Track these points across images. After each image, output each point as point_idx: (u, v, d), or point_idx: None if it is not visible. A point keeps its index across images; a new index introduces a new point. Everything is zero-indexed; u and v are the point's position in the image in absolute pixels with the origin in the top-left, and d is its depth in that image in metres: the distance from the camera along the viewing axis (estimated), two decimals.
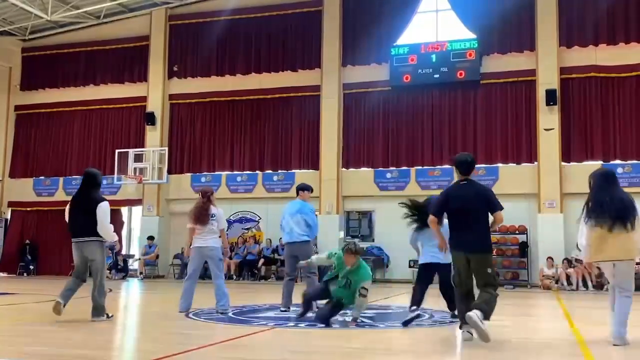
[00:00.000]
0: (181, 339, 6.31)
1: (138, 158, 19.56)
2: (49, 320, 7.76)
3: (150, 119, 20.05)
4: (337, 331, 7.00)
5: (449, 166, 17.62)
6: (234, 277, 17.79)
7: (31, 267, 20.25)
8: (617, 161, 16.37)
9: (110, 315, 7.64)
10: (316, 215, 9.19)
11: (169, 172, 19.77)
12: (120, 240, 7.76)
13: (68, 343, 6.02)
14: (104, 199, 7.66)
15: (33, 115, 21.94)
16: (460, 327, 6.22)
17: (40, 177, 21.58)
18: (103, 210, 7.46)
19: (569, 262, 15.49)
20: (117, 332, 7.13)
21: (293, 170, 18.95)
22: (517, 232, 16.59)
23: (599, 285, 15.10)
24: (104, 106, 21.02)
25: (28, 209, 21.42)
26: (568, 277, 15.29)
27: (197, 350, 5.49)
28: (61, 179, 21.17)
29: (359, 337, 6.69)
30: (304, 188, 9.22)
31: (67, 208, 7.87)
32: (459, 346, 6.35)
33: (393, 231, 17.60)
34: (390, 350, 5.79)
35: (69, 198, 24.42)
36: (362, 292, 7.09)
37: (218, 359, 5.26)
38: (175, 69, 20.39)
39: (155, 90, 20.34)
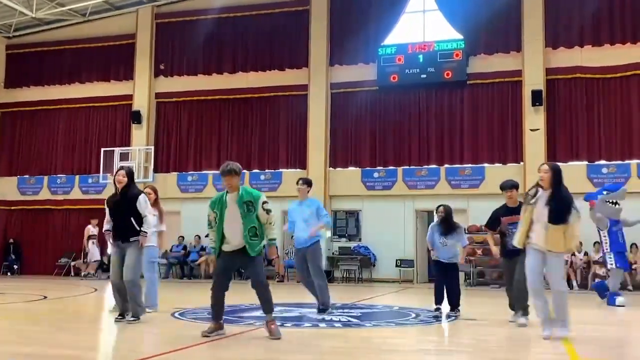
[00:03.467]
0: (168, 338, 6.28)
1: (124, 157, 19.41)
2: (34, 319, 7.69)
3: (136, 117, 19.92)
4: (325, 330, 7.00)
5: (435, 166, 17.71)
6: None
7: (15, 266, 20.06)
8: (602, 161, 16.52)
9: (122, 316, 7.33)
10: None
11: (155, 171, 19.65)
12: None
13: (54, 343, 5.96)
14: (141, 191, 7.54)
15: (17, 113, 21.72)
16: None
17: (25, 176, 21.34)
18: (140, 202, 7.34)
19: None
20: (103, 332, 7.08)
21: (280, 170, 18.91)
22: None
23: (583, 285, 15.24)
24: (90, 104, 20.84)
25: (12, 207, 21.19)
26: None
27: (184, 350, 5.46)
28: (46, 178, 20.95)
29: (346, 336, 6.69)
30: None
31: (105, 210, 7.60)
32: (445, 345, 6.37)
33: (380, 230, 17.69)
34: (378, 349, 5.79)
35: (54, 197, 24.07)
36: (265, 207, 6.21)
37: (206, 359, 5.24)
38: (161, 67, 20.27)
39: (142, 89, 20.21)
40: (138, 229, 7.27)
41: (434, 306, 8.71)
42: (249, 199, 6.19)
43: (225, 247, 6.25)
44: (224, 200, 6.24)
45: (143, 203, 7.34)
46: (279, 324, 6.46)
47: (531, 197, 6.28)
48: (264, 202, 6.23)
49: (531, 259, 6.32)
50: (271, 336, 6.08)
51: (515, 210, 7.42)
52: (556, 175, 6.22)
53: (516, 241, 6.40)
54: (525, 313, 7.39)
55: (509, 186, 7.77)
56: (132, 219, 7.27)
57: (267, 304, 6.28)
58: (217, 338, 6.06)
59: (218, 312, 6.29)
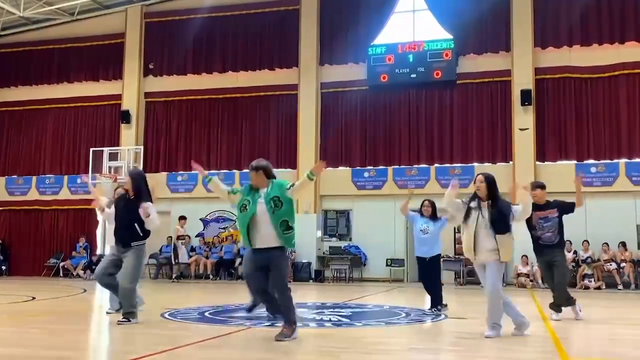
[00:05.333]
0: (158, 339, 6.26)
1: (113, 157, 19.32)
2: (24, 321, 7.63)
3: (126, 117, 19.83)
4: (315, 330, 6.99)
5: (426, 165, 17.76)
6: (211, 276, 17.69)
7: (3, 267, 19.91)
8: (591, 160, 16.61)
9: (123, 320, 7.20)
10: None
11: (145, 170, 19.38)
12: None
13: (45, 344, 5.92)
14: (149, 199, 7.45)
15: (5, 113, 21.55)
16: None
17: (13, 176, 21.18)
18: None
19: None
20: (93, 332, 7.04)
21: None
22: None
23: (572, 284, 15.32)
24: (79, 104, 20.69)
25: (0, 208, 21.04)
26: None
27: (174, 350, 5.45)
28: (34, 178, 20.80)
29: (336, 336, 6.69)
30: None
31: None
32: (435, 344, 6.39)
33: (370, 230, 17.71)
34: (368, 349, 5.80)
35: (43, 197, 23.88)
36: (290, 187, 6.14)
37: (195, 359, 5.22)
38: (151, 66, 20.18)
39: (131, 88, 20.12)
40: (141, 234, 7.16)
41: (432, 307, 8.70)
42: (275, 194, 6.04)
43: (256, 245, 6.03)
44: (258, 194, 6.15)
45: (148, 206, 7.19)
46: (268, 323, 6.44)
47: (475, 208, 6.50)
48: (288, 186, 6.12)
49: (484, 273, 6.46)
50: (277, 337, 5.97)
51: (543, 207, 8.13)
52: (492, 186, 6.53)
53: (470, 255, 6.48)
54: (560, 310, 8.03)
55: (533, 186, 8.37)
56: (135, 224, 7.12)
57: (284, 311, 6.09)
58: (207, 338, 6.05)
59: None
